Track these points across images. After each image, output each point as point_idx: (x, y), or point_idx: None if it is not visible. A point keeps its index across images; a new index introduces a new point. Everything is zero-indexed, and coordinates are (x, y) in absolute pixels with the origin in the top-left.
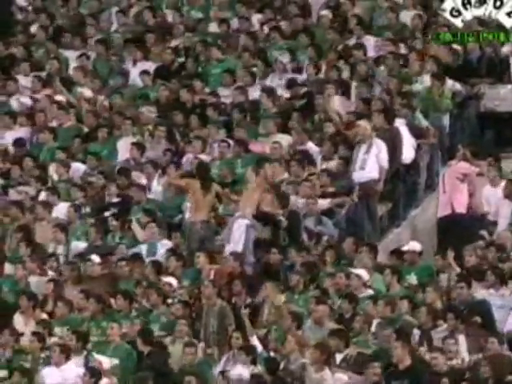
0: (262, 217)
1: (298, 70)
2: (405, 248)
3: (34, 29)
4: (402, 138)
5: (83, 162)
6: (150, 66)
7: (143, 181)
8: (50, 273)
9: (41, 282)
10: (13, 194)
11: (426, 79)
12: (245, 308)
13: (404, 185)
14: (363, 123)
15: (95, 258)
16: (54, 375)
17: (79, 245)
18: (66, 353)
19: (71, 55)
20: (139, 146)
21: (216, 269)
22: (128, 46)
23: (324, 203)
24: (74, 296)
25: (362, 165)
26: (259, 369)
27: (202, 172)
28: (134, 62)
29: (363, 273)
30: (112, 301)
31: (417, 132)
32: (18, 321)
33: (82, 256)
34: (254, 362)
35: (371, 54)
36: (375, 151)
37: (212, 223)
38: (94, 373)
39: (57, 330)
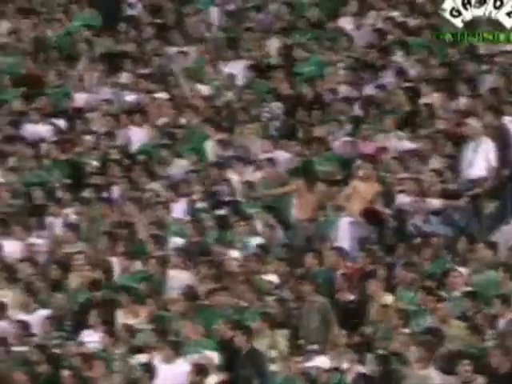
0: (369, 215)
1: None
2: None
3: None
4: None
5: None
6: (242, 65)
7: (234, 177)
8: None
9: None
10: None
11: None
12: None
13: None
14: (473, 121)
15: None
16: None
17: (177, 241)
18: (176, 349)
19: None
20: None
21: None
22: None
23: (436, 203)
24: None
25: (471, 163)
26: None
27: (307, 170)
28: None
29: (462, 269)
30: None
31: None
32: (120, 316)
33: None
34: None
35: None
36: (484, 149)
37: (318, 221)
38: (200, 369)
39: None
